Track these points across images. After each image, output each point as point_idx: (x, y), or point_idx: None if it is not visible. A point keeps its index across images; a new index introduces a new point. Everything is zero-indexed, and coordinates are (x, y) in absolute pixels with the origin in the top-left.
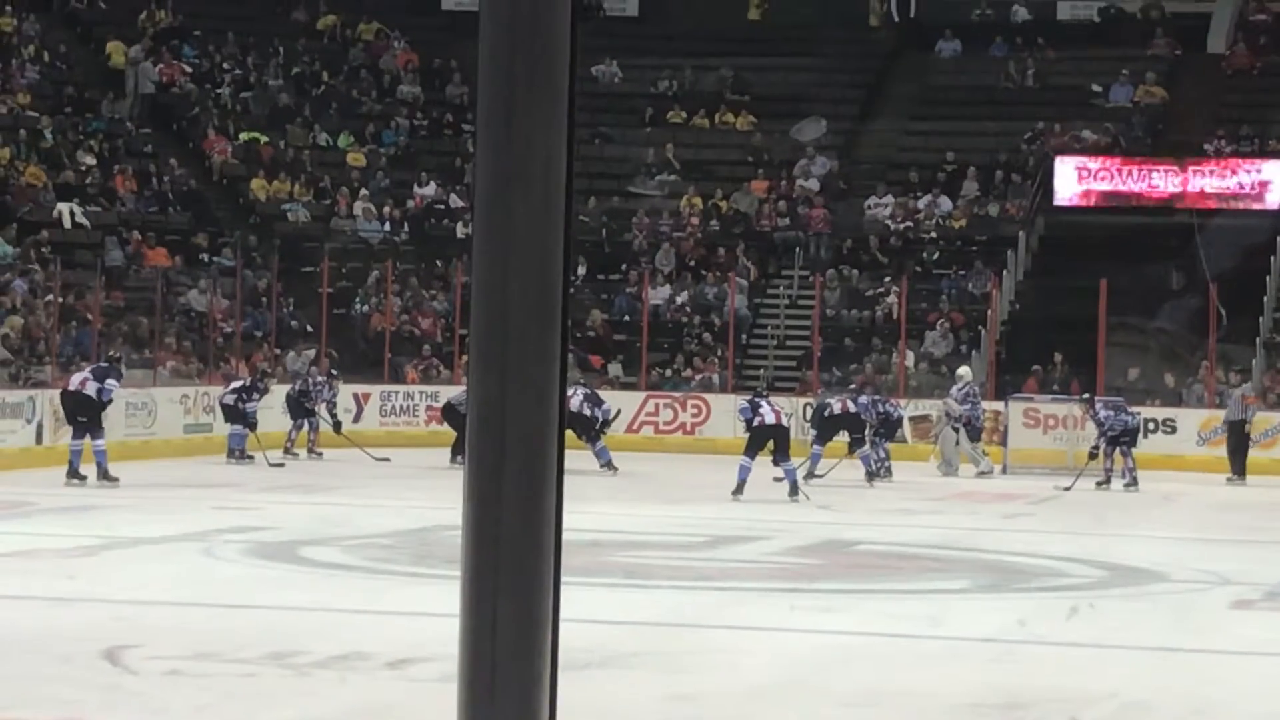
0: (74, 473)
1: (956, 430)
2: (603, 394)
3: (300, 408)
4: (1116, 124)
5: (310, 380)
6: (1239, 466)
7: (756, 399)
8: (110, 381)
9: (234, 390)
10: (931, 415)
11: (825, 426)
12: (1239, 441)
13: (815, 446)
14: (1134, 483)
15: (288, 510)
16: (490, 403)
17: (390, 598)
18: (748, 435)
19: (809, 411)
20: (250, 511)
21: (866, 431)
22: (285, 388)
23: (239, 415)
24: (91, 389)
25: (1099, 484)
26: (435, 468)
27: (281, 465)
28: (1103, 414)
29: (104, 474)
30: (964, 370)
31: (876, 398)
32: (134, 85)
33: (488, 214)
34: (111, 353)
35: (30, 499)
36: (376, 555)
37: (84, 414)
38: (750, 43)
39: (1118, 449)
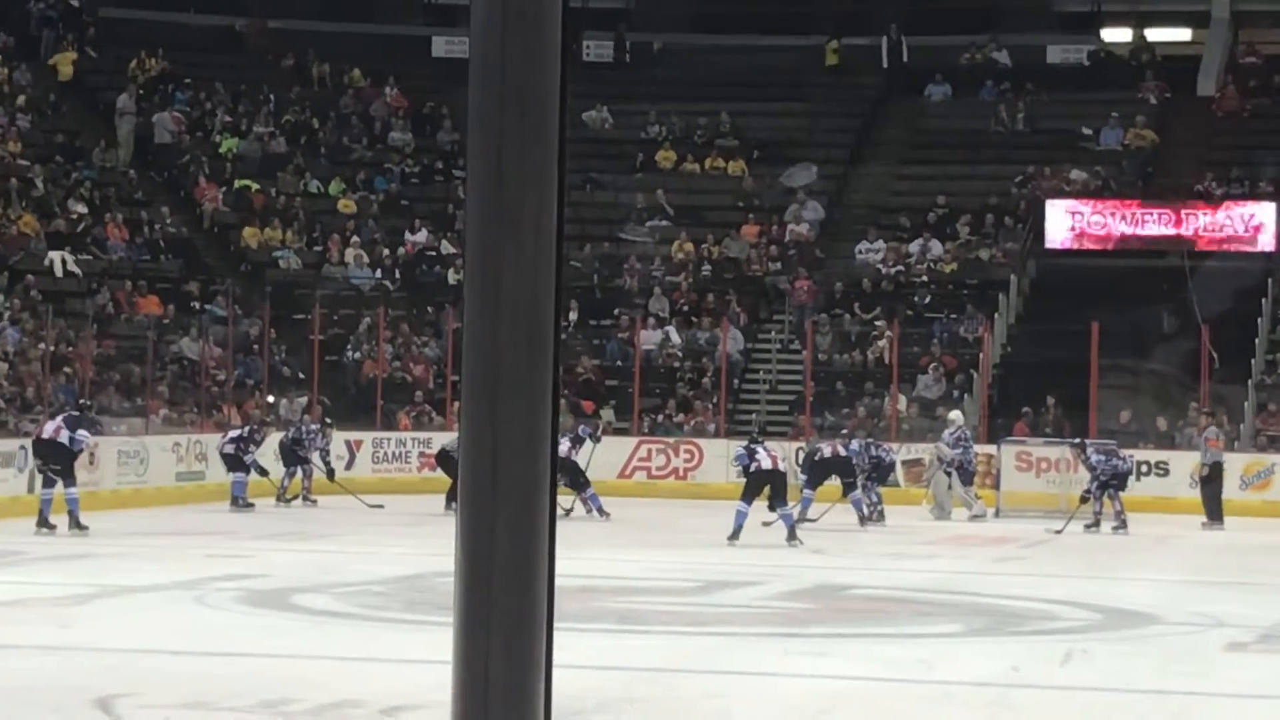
0: (43, 521)
1: (949, 474)
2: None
3: (293, 455)
4: (1107, 167)
5: (303, 428)
6: (1216, 511)
7: (753, 444)
8: (81, 431)
9: (233, 439)
10: (924, 459)
11: (815, 471)
12: (1218, 485)
13: (806, 491)
14: (1123, 525)
15: (280, 558)
16: (482, 449)
17: (382, 645)
18: (744, 481)
19: (800, 456)
20: (242, 559)
21: (858, 475)
22: (279, 435)
23: (239, 464)
24: (64, 437)
25: (1088, 527)
26: (428, 514)
27: (314, 503)
28: (1094, 458)
29: (75, 523)
30: (955, 414)
31: (869, 441)
32: (128, 134)
33: (479, 261)
34: (83, 400)
35: (22, 548)
36: (369, 602)
37: (57, 462)
38: (740, 88)
39: (1106, 493)
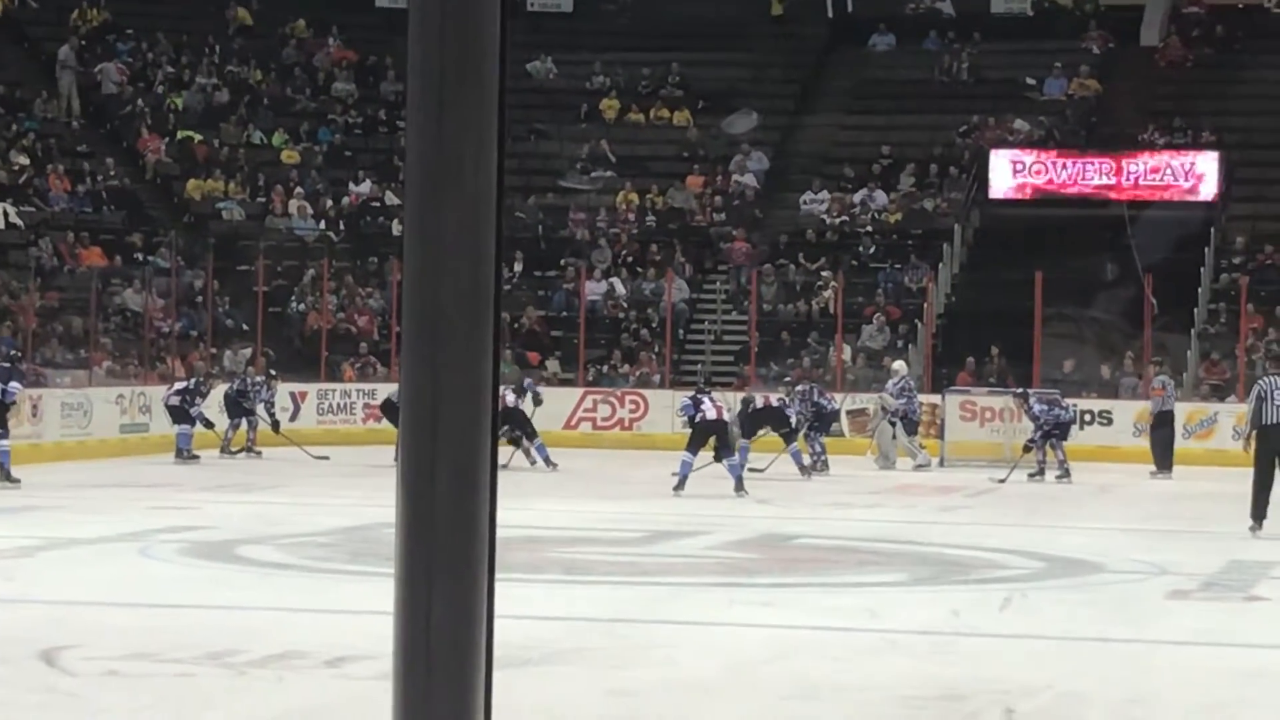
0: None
1: (893, 424)
2: (541, 389)
3: (238, 407)
4: (1051, 117)
5: (248, 379)
6: (1166, 460)
7: (699, 395)
8: (13, 384)
9: (178, 391)
10: (868, 409)
11: (749, 421)
12: (1169, 434)
13: (741, 441)
14: (1066, 474)
15: (225, 510)
16: (423, 399)
17: (328, 596)
18: (690, 431)
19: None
20: (187, 511)
21: (794, 426)
22: (224, 387)
23: (185, 416)
24: None
25: (1031, 476)
26: (373, 465)
27: (259, 455)
28: (1037, 408)
29: (5, 475)
30: (899, 364)
31: (811, 386)
32: (70, 84)
33: (418, 211)
34: (14, 352)
35: None
36: (314, 554)
37: None
38: (685, 38)
39: (1049, 442)
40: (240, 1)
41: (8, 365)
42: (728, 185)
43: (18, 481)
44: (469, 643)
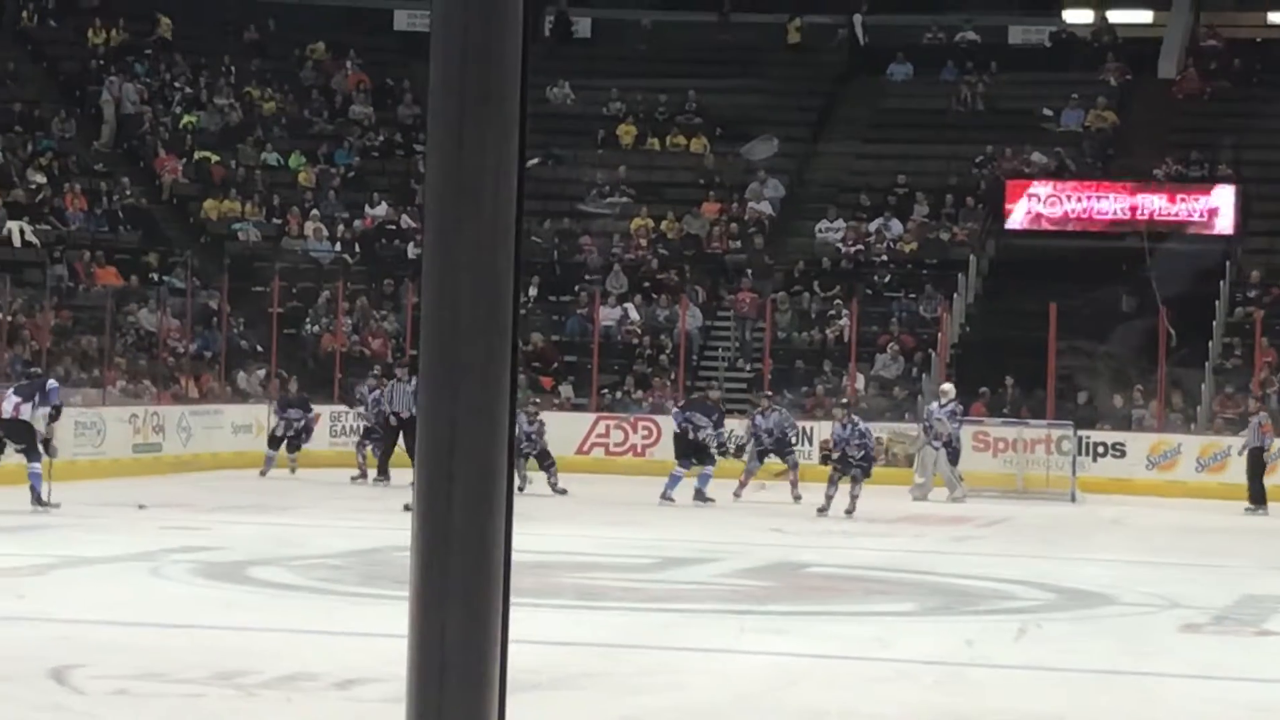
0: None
1: (937, 450)
2: (554, 415)
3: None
4: (1067, 148)
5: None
6: (1259, 494)
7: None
8: (52, 382)
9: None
10: (882, 437)
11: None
12: (1258, 468)
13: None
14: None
15: (236, 530)
16: (440, 423)
17: (338, 618)
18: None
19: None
20: (198, 531)
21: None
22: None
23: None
24: (25, 413)
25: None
26: (387, 487)
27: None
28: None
29: (36, 498)
30: (947, 386)
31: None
32: (114, 112)
33: (438, 234)
34: (33, 369)
35: None
36: (325, 576)
37: (20, 440)
38: (702, 65)
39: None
40: (256, 23)
41: (27, 382)
42: (743, 212)
43: (52, 505)
44: (482, 667)
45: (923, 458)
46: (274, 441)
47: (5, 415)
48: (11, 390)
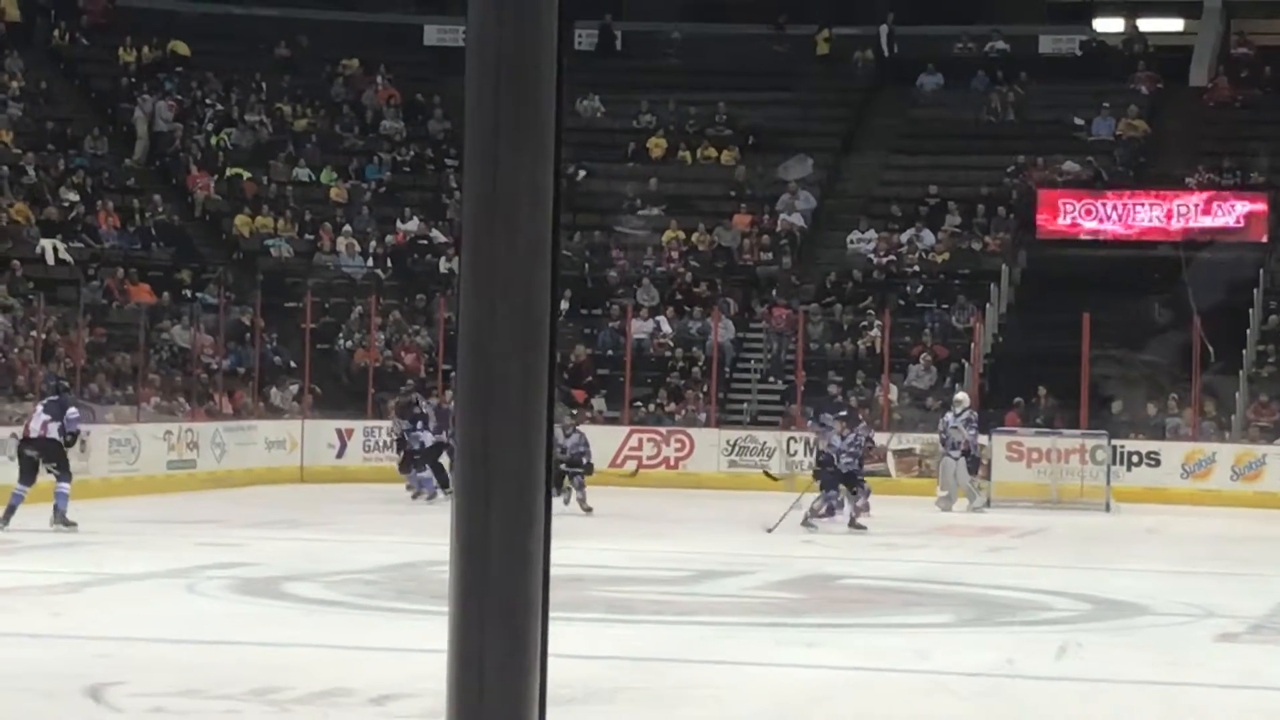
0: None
1: (956, 460)
2: (587, 429)
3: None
4: (1099, 157)
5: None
6: None
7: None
8: (71, 411)
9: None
10: (915, 449)
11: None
12: None
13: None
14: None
15: (271, 546)
16: (477, 439)
17: (374, 634)
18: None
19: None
20: (233, 548)
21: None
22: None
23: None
24: (54, 431)
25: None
26: (420, 503)
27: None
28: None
29: (62, 519)
30: (962, 395)
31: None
32: (147, 129)
33: (474, 250)
34: (61, 381)
35: (13, 536)
36: (361, 591)
37: (51, 459)
38: (732, 77)
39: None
40: (287, 40)
41: (55, 398)
42: (775, 224)
43: (74, 525)
44: (523, 682)
45: (943, 469)
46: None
47: (34, 434)
48: (41, 408)
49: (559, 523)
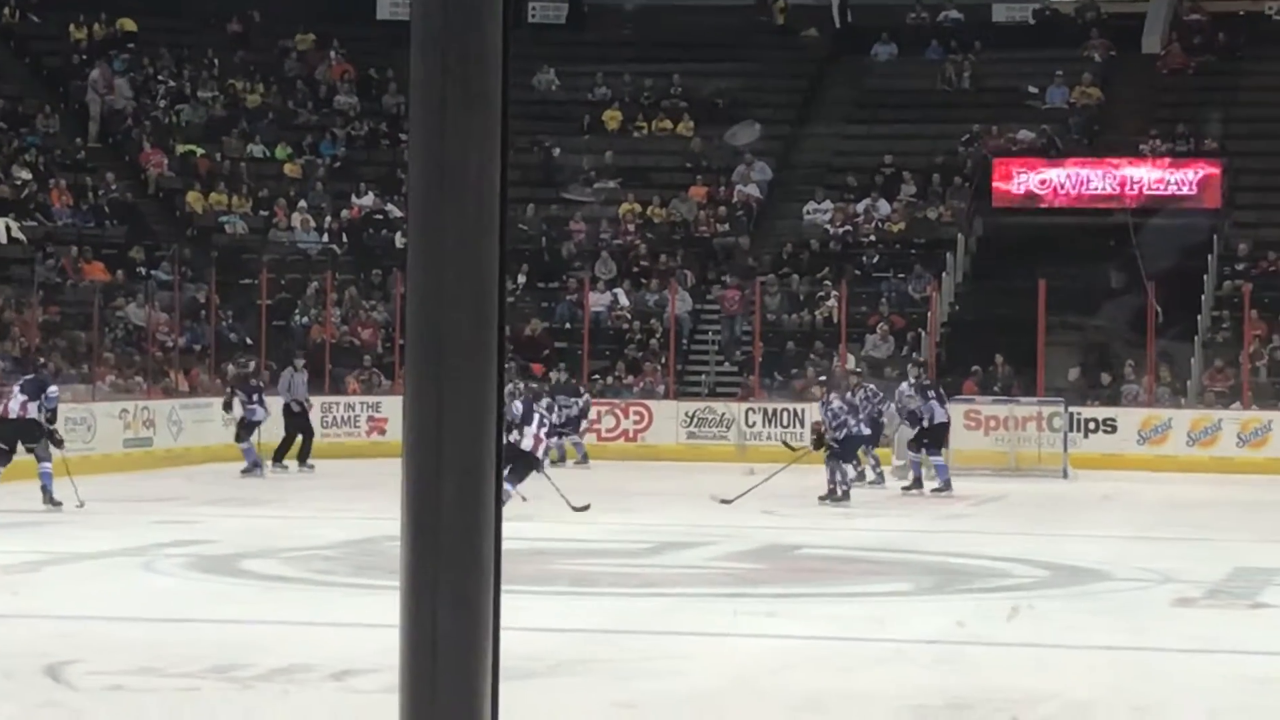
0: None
1: (912, 430)
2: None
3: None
4: (1053, 125)
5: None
6: None
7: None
8: (52, 389)
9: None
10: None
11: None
12: None
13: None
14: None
15: (228, 523)
16: (428, 412)
17: (333, 610)
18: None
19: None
20: (190, 525)
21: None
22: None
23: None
24: (33, 411)
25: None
26: (377, 478)
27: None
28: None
29: (49, 498)
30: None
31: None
32: (98, 109)
33: (421, 223)
34: (40, 360)
35: None
36: (318, 567)
37: (31, 440)
38: (687, 49)
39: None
40: (240, 15)
41: (32, 377)
42: (731, 195)
43: (59, 504)
44: (475, 655)
45: (900, 438)
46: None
47: (12, 415)
48: (17, 388)
49: (520, 495)
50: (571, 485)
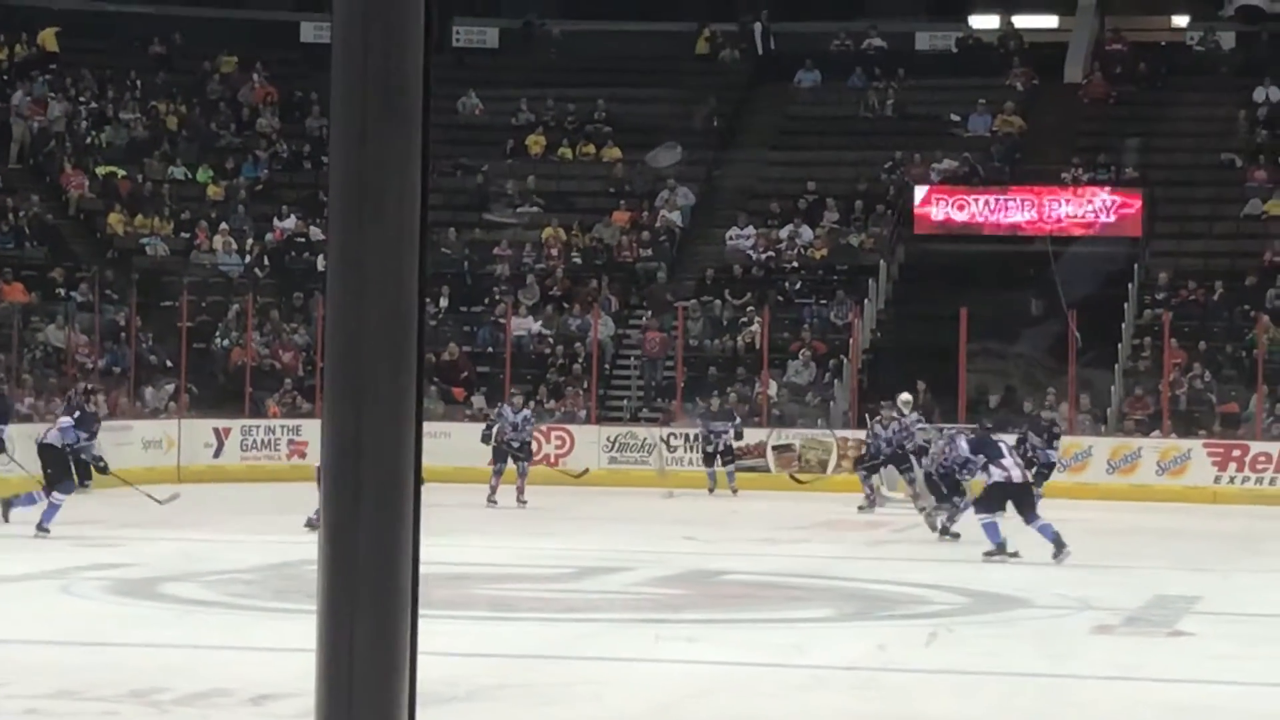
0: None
1: (921, 464)
2: (466, 426)
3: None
4: (975, 153)
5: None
6: None
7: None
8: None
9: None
10: (795, 444)
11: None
12: None
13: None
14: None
15: (148, 547)
16: (346, 435)
17: (251, 634)
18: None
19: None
20: (110, 548)
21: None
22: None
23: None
24: (71, 437)
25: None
26: (298, 502)
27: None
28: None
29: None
30: (907, 396)
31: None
32: (23, 131)
33: (341, 246)
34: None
35: None
36: (238, 591)
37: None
38: (611, 74)
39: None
40: (162, 37)
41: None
42: (654, 221)
43: (46, 531)
44: (392, 680)
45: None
46: (707, 459)
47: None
48: (61, 414)
49: (442, 519)
50: (466, 522)
